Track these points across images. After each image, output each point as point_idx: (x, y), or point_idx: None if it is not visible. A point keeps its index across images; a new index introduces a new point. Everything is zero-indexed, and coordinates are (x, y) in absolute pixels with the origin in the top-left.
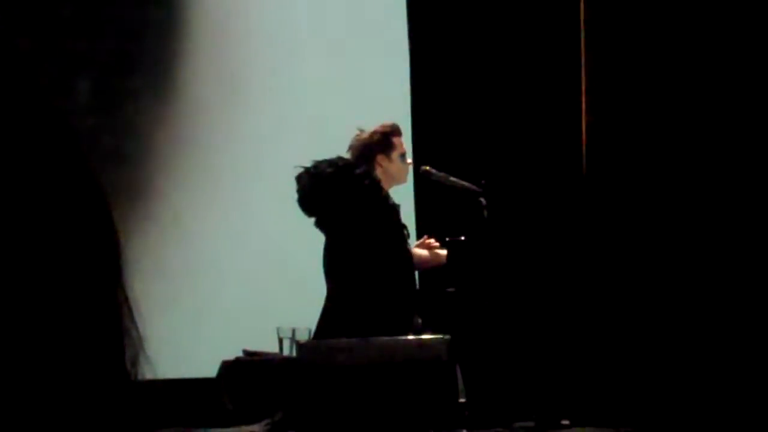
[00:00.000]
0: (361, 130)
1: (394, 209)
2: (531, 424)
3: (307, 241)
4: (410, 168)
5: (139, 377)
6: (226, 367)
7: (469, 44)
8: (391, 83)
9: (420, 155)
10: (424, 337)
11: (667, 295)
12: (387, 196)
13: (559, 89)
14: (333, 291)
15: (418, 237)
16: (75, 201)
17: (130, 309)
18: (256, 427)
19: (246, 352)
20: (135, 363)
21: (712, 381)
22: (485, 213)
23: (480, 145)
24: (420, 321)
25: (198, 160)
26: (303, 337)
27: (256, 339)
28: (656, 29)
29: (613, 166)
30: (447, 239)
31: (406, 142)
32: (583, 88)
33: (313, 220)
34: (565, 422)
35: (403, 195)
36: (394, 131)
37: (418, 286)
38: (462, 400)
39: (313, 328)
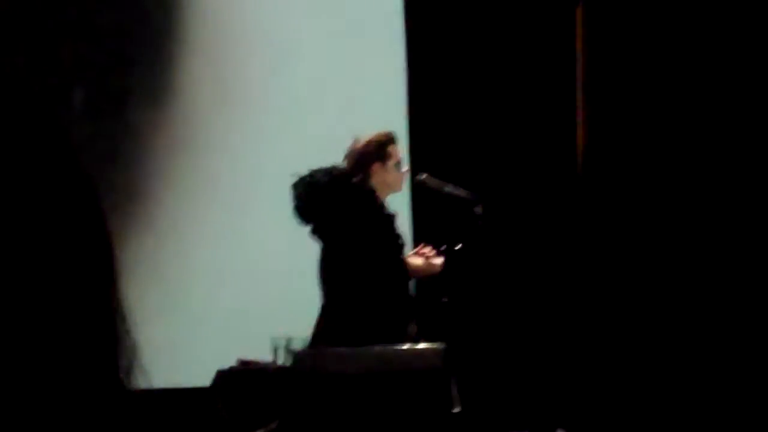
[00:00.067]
0: (357, 138)
1: (390, 218)
2: None
3: (303, 249)
4: (406, 176)
5: (133, 386)
6: (221, 376)
7: (465, 52)
8: (387, 89)
9: (416, 162)
10: (419, 346)
11: (664, 304)
12: (383, 205)
13: (556, 94)
14: (328, 300)
15: (414, 246)
16: (68, 205)
17: (124, 316)
18: None
19: (241, 361)
20: (129, 372)
21: (707, 390)
22: (481, 222)
23: (476, 153)
24: (415, 329)
25: (194, 165)
26: (298, 346)
27: (251, 348)
28: (651, 33)
29: (609, 175)
30: (443, 248)
31: (402, 149)
32: (580, 97)
33: (308, 228)
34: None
35: (399, 203)
36: (389, 140)
37: (413, 295)
38: (457, 409)
39: (308, 337)
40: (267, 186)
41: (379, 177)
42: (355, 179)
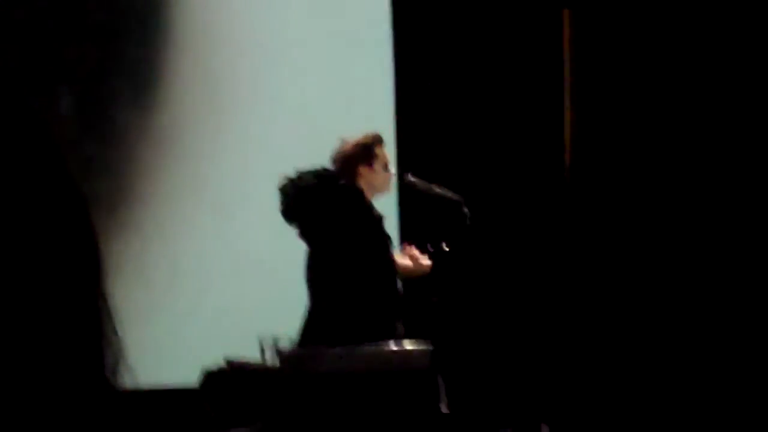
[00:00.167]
0: (345, 140)
1: (378, 220)
2: (509, 431)
3: (290, 250)
4: (393, 178)
5: (120, 386)
6: (208, 375)
7: (452, 53)
8: (375, 91)
9: (404, 164)
10: (407, 346)
11: (649, 303)
12: (370, 207)
13: (543, 96)
14: (315, 300)
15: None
16: (55, 208)
17: (110, 316)
18: None
19: (227, 361)
20: (115, 371)
21: (692, 387)
22: (468, 222)
23: (464, 154)
24: (403, 329)
25: (181, 166)
26: (285, 345)
27: (238, 348)
28: (638, 34)
29: (596, 176)
30: (430, 248)
31: (389, 149)
32: (567, 98)
33: (296, 229)
34: (545, 429)
35: (386, 205)
36: (376, 142)
37: (401, 296)
38: (444, 409)
39: (295, 336)
40: (254, 187)
41: (366, 179)
42: (342, 181)
